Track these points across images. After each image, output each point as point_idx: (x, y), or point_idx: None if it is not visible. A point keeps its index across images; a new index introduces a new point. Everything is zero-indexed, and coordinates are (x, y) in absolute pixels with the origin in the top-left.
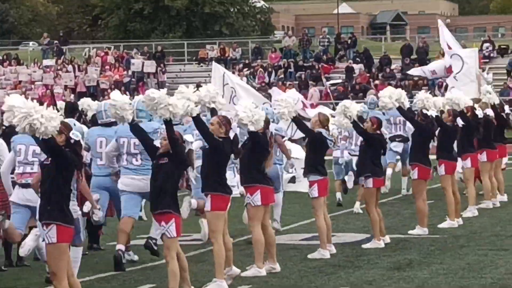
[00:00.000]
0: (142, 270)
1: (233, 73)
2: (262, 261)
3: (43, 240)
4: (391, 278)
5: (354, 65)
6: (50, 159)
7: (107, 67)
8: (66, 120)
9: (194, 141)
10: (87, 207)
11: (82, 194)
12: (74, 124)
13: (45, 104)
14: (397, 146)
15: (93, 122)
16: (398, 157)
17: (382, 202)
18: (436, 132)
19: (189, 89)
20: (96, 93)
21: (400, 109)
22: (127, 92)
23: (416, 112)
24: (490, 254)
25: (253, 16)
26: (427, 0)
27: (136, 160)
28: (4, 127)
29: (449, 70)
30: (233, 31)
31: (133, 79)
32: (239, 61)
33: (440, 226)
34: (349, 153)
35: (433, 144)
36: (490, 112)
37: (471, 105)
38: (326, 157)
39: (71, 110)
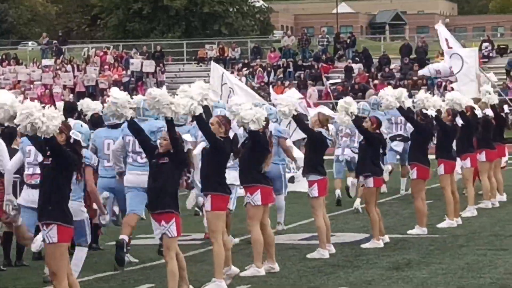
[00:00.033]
0: (141, 270)
1: (232, 72)
2: (261, 261)
3: (43, 240)
4: (390, 278)
5: (353, 65)
6: (50, 159)
7: (106, 67)
8: (74, 121)
9: (199, 142)
10: (103, 218)
11: (89, 195)
12: (81, 126)
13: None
14: (398, 146)
15: (91, 122)
16: (398, 156)
17: (381, 202)
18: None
19: (192, 88)
20: (95, 92)
21: (400, 108)
22: (126, 92)
23: (415, 112)
24: (489, 254)
25: (252, 16)
26: (426, 0)
27: (141, 158)
28: (3, 127)
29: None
30: (232, 30)
31: (132, 79)
32: (238, 61)
33: (439, 226)
34: (351, 150)
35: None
36: (489, 112)
37: (471, 105)
38: (325, 157)
39: (70, 110)
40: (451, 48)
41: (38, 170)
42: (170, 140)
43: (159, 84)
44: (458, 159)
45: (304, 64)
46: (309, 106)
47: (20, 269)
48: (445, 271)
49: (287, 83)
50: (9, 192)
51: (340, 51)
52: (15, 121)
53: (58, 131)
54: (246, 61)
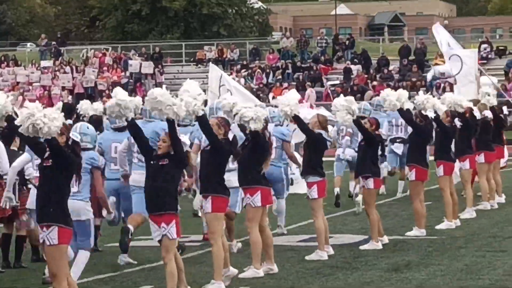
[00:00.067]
0: (140, 272)
1: (231, 74)
2: (259, 262)
3: (42, 242)
4: (389, 279)
5: (352, 66)
6: (50, 160)
7: (105, 68)
8: (81, 122)
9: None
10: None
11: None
12: (88, 127)
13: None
14: (398, 148)
15: (90, 123)
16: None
17: (380, 204)
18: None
19: (195, 88)
20: (94, 94)
21: (401, 110)
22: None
23: (414, 113)
24: (488, 256)
25: (251, 17)
26: (425, 1)
27: None
28: (2, 128)
29: None
30: (231, 32)
31: (130, 80)
32: (237, 62)
33: (438, 227)
34: (354, 150)
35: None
36: (488, 113)
37: (469, 107)
38: (324, 158)
39: (69, 111)
40: (452, 48)
41: None
42: (171, 140)
43: (157, 86)
44: (456, 160)
45: (303, 65)
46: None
47: (18, 271)
48: (444, 272)
49: (285, 84)
50: (9, 189)
51: (339, 53)
52: (16, 122)
53: (59, 132)
54: (244, 62)
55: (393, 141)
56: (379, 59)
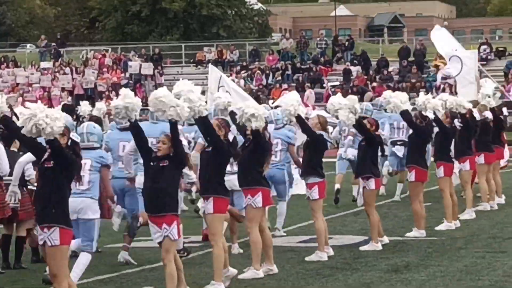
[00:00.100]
0: (140, 272)
1: (231, 75)
2: (259, 263)
3: (43, 243)
4: (388, 280)
5: (352, 67)
6: (52, 161)
7: (105, 69)
8: (87, 122)
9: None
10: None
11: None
12: (94, 127)
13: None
14: (399, 150)
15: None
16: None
17: (379, 204)
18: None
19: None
20: (93, 95)
21: (402, 112)
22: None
23: (414, 114)
24: (488, 257)
25: (250, 19)
26: (424, 3)
27: None
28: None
29: None
30: (231, 33)
31: (130, 82)
32: (236, 63)
33: (437, 228)
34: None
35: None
36: (488, 114)
37: (469, 108)
38: (324, 159)
39: (68, 112)
40: (455, 49)
41: None
42: (173, 141)
43: (157, 87)
44: (455, 162)
45: (302, 66)
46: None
47: (18, 272)
48: (444, 273)
49: (285, 85)
50: (15, 183)
51: (338, 54)
52: (18, 123)
53: (61, 133)
54: (244, 63)
55: (394, 143)
56: (379, 60)
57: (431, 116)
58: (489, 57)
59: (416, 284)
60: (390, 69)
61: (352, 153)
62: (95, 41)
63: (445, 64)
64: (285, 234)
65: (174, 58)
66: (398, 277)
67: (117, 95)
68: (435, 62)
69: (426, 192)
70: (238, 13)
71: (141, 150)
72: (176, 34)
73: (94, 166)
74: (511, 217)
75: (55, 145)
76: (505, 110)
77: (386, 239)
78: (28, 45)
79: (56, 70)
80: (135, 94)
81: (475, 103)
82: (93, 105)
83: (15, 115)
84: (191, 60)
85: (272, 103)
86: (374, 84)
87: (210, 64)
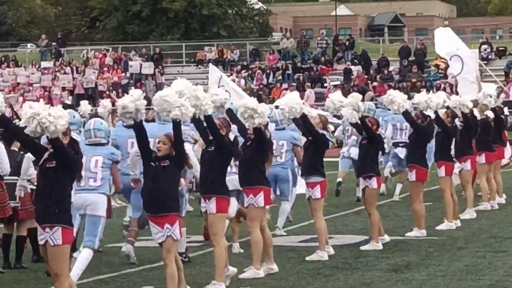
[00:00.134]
0: (140, 272)
1: (231, 74)
2: (260, 263)
3: (44, 243)
4: (389, 280)
5: (352, 67)
6: (54, 161)
7: (105, 69)
8: (94, 118)
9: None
10: None
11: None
12: (101, 123)
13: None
14: (401, 152)
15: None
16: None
17: (380, 204)
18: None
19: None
20: (94, 95)
21: (404, 112)
22: (125, 94)
23: (415, 113)
24: (488, 256)
25: (251, 18)
26: (425, 2)
27: None
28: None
29: None
30: (231, 33)
31: (131, 81)
32: (237, 63)
33: (438, 228)
34: None
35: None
36: (490, 114)
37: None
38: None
39: None
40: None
41: None
42: (175, 141)
43: (158, 86)
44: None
45: (303, 66)
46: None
47: (19, 271)
48: (444, 273)
49: (285, 85)
50: (24, 177)
51: (339, 53)
52: (21, 123)
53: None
54: (245, 63)
55: (396, 145)
56: (379, 60)
57: (432, 115)
58: (489, 56)
59: (417, 283)
60: (391, 68)
61: (355, 152)
62: (95, 41)
63: (445, 63)
64: (285, 233)
65: (174, 58)
66: (399, 276)
67: (118, 94)
68: (436, 61)
69: (427, 192)
70: (238, 12)
71: (142, 150)
72: (177, 34)
73: (106, 163)
74: (511, 216)
75: (57, 144)
76: (506, 110)
77: (387, 238)
78: (29, 45)
79: (56, 69)
80: None
81: (475, 103)
82: (93, 105)
83: (16, 114)
84: (192, 60)
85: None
86: (375, 83)
87: (210, 63)
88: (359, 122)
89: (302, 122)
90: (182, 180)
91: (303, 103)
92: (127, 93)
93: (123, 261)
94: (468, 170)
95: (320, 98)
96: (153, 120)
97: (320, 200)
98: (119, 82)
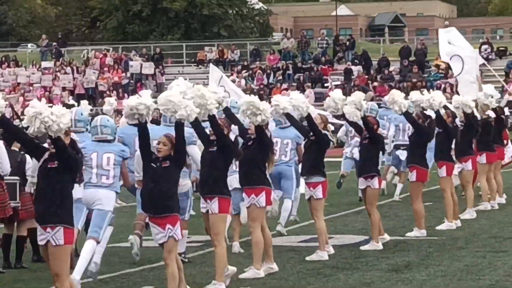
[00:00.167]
0: (140, 272)
1: (232, 74)
2: (260, 263)
3: (45, 243)
4: (389, 280)
5: (353, 67)
6: (56, 161)
7: (106, 69)
8: (101, 116)
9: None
10: None
11: None
12: (108, 120)
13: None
14: (402, 154)
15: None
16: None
17: (380, 204)
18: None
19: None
20: (94, 95)
21: (405, 112)
22: (126, 94)
23: (415, 113)
24: (488, 256)
25: (251, 18)
26: (425, 2)
27: None
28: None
29: None
30: (232, 33)
31: (131, 81)
32: (237, 63)
33: (438, 228)
34: None
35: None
36: (492, 114)
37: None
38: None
39: None
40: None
41: None
42: (177, 142)
43: (158, 86)
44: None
45: (303, 66)
46: None
47: (19, 271)
48: (444, 273)
49: (285, 85)
50: (34, 174)
51: (339, 54)
52: (23, 123)
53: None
54: (245, 63)
55: (397, 147)
56: (380, 60)
57: (432, 115)
58: (490, 56)
59: (417, 283)
60: (391, 68)
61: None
62: (96, 41)
63: (446, 63)
64: (286, 233)
65: (175, 58)
66: (399, 276)
67: (118, 94)
68: (436, 61)
69: (427, 192)
70: (239, 12)
71: (143, 150)
72: (177, 34)
73: (117, 160)
74: (511, 216)
75: (59, 144)
76: (506, 110)
77: (387, 237)
78: (29, 45)
79: (57, 69)
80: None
81: (476, 103)
82: (93, 105)
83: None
84: (192, 60)
85: None
86: (375, 83)
87: (211, 64)
88: (361, 120)
89: (307, 122)
90: (188, 181)
91: (308, 103)
92: (127, 93)
93: (123, 261)
94: (469, 170)
95: (320, 98)
96: (155, 120)
97: (321, 200)
98: (119, 82)
